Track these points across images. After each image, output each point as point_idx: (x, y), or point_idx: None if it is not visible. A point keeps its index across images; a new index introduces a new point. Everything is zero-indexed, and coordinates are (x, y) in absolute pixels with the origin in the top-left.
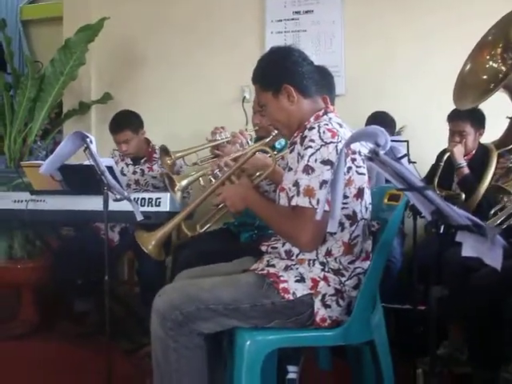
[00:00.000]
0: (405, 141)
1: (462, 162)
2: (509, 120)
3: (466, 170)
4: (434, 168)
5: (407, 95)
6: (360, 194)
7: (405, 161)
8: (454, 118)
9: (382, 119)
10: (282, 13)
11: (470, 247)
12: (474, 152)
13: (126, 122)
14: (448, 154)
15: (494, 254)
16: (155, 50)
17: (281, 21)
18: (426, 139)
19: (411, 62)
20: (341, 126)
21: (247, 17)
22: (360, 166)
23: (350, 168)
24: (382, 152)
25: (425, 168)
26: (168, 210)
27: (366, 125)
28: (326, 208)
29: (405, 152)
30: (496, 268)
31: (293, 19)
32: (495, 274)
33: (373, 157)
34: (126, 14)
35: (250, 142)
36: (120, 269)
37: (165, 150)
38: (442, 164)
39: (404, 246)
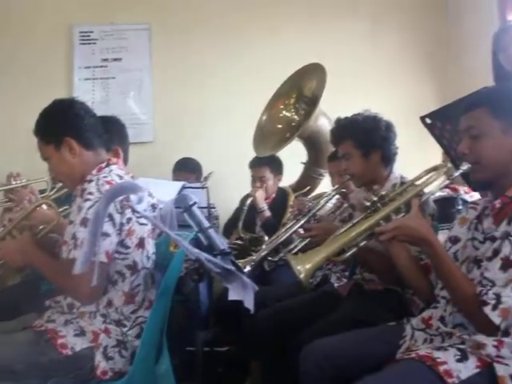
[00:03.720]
0: (204, 187)
1: (264, 205)
2: (303, 165)
3: (268, 213)
4: (237, 212)
5: (214, 141)
6: (141, 243)
7: (195, 208)
8: (255, 164)
9: (187, 165)
10: (91, 60)
11: (234, 291)
12: (274, 195)
13: None
14: (251, 199)
15: (248, 297)
16: None
17: (89, 67)
18: (234, 184)
19: (218, 108)
20: (121, 177)
21: (55, 62)
22: (141, 217)
23: (130, 219)
24: (137, 205)
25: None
26: None
27: (174, 171)
28: (104, 259)
29: (196, 199)
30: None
31: (101, 66)
32: (274, 314)
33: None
34: None
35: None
36: None
37: None
38: (246, 208)
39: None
